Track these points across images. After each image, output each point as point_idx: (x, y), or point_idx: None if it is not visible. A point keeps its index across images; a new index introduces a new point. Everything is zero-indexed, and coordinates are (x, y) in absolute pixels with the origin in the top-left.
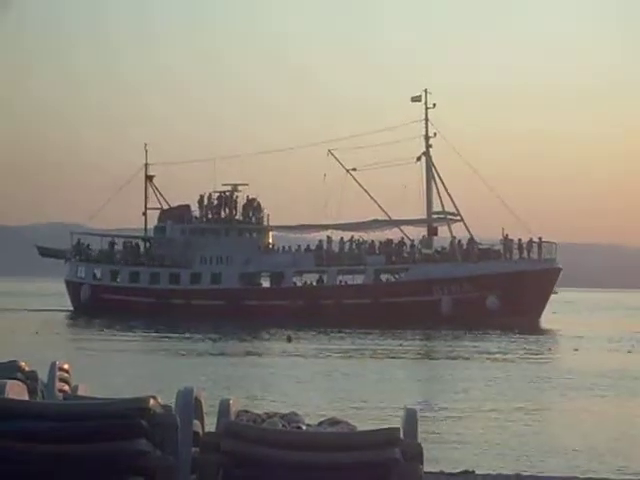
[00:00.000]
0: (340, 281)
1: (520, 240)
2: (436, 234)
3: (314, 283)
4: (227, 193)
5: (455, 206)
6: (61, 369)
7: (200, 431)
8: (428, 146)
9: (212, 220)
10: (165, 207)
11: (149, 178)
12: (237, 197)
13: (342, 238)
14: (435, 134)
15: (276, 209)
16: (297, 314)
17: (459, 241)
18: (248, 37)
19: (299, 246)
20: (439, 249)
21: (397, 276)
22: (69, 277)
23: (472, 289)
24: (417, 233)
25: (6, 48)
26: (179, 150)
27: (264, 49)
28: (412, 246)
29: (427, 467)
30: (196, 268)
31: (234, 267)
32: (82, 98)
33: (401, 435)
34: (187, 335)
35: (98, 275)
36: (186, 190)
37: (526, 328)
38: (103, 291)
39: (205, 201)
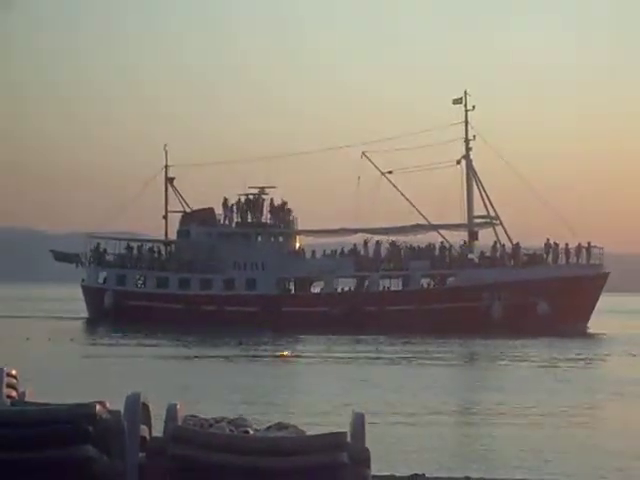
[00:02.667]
0: (384, 287)
1: (567, 245)
2: (477, 238)
3: (351, 288)
4: (255, 196)
5: (494, 210)
6: (9, 375)
7: (147, 436)
8: (468, 149)
9: (241, 224)
10: (186, 210)
11: (169, 180)
12: (264, 200)
13: (378, 242)
14: (475, 137)
15: (303, 213)
16: (338, 321)
17: (503, 245)
18: (274, 36)
19: (332, 251)
20: (478, 254)
21: (441, 282)
22: (88, 283)
23: (523, 295)
24: (454, 237)
25: (19, 47)
26: (199, 152)
27: (292, 48)
28: (457, 251)
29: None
30: (229, 273)
31: (270, 272)
32: (97, 97)
33: (348, 439)
34: (218, 342)
35: (122, 280)
36: (205, 193)
37: (576, 333)
38: (128, 297)
39: (231, 204)
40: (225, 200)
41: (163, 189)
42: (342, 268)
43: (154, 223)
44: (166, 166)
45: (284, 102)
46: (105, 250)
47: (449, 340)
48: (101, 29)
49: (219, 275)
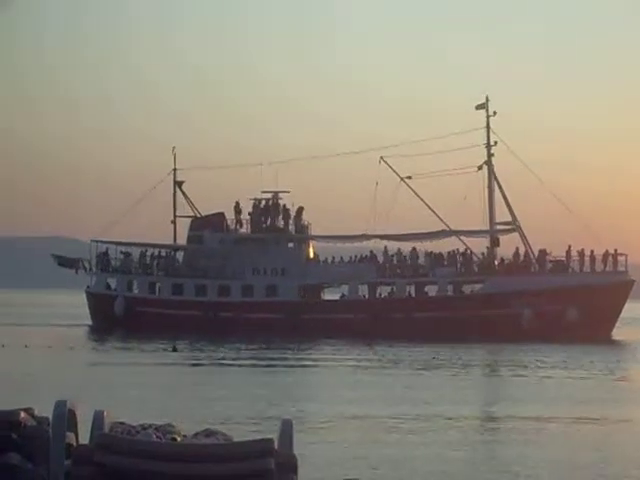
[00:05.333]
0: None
1: (593, 252)
2: (498, 245)
3: (365, 295)
4: (269, 201)
5: (514, 216)
6: None
7: (74, 443)
8: (490, 155)
9: (256, 229)
10: (196, 215)
11: (178, 184)
12: (279, 205)
13: (399, 249)
14: (496, 142)
15: (318, 218)
16: (362, 328)
17: (526, 252)
18: (289, 37)
19: (352, 257)
20: (498, 260)
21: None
22: (95, 289)
23: (552, 302)
24: (472, 244)
25: (22, 47)
26: (207, 154)
27: (308, 49)
28: (480, 258)
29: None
30: (248, 280)
31: (291, 279)
32: (103, 97)
33: (276, 446)
34: (236, 349)
35: (134, 287)
36: (212, 197)
37: (602, 340)
38: (141, 304)
39: (248, 209)
40: (237, 204)
41: (170, 193)
42: (365, 274)
43: (160, 228)
44: (174, 169)
45: (298, 105)
46: (108, 255)
47: (476, 347)
48: (109, 28)
49: (237, 281)
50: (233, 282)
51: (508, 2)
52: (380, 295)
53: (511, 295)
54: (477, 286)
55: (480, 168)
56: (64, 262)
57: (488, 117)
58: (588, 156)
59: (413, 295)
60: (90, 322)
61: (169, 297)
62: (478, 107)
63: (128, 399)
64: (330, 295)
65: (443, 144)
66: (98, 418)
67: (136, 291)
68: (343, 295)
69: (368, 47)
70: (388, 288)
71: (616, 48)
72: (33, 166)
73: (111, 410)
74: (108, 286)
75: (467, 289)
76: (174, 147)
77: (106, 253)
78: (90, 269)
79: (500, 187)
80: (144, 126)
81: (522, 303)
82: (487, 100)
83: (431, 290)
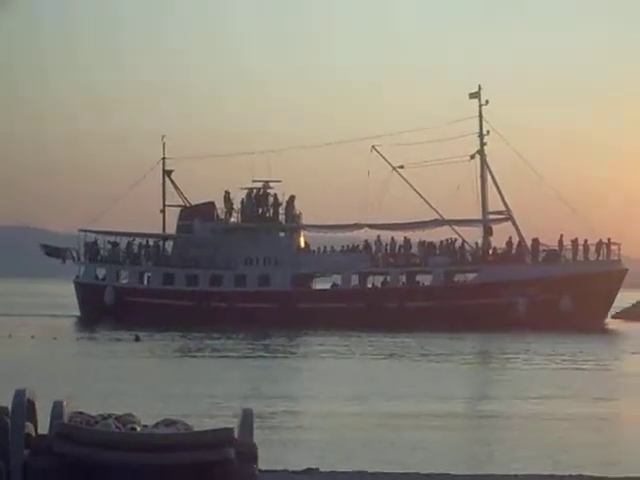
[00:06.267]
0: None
1: (586, 241)
2: (492, 234)
3: (363, 286)
4: (260, 190)
5: (506, 206)
6: None
7: (33, 433)
8: (482, 144)
9: (247, 219)
10: (185, 205)
11: (167, 173)
12: (270, 195)
13: (393, 238)
14: (489, 132)
15: (309, 207)
16: (357, 317)
17: (518, 242)
18: (278, 31)
19: (345, 246)
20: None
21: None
22: (84, 279)
23: (546, 291)
24: (465, 233)
25: (17, 46)
26: (196, 144)
27: (299, 43)
28: (473, 247)
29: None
30: (240, 269)
31: (284, 268)
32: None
33: (236, 435)
34: (229, 338)
35: (123, 276)
36: (201, 186)
37: (595, 330)
38: (131, 293)
39: (240, 198)
40: (227, 194)
41: (159, 182)
42: (358, 264)
43: (148, 218)
44: (164, 158)
45: (290, 96)
46: (97, 245)
47: (467, 337)
48: (99, 25)
49: (229, 271)
50: (225, 272)
51: None
52: (374, 285)
53: (504, 284)
54: (470, 275)
55: (473, 157)
56: (52, 252)
57: (480, 106)
58: (583, 145)
59: (407, 284)
60: (78, 312)
61: (160, 287)
62: (471, 96)
63: (94, 389)
64: (320, 285)
65: (435, 133)
66: (57, 408)
67: (125, 281)
68: (335, 285)
69: (360, 40)
70: (380, 278)
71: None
72: (23, 160)
73: (70, 400)
74: (97, 276)
75: (460, 279)
76: (163, 136)
77: (95, 243)
78: (78, 259)
79: (493, 176)
80: (132, 117)
81: (516, 292)
82: (480, 89)
83: (424, 280)
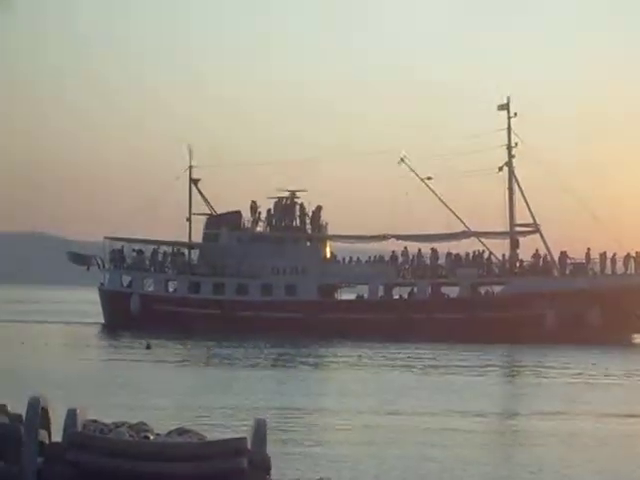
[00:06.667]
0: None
1: (615, 254)
2: (518, 247)
3: (389, 297)
4: (287, 200)
5: (533, 218)
6: None
7: (47, 441)
8: (510, 156)
9: (274, 228)
10: (212, 213)
11: (194, 182)
12: (297, 204)
13: (420, 250)
14: (517, 144)
15: (336, 218)
16: (384, 329)
17: (545, 255)
18: (310, 33)
19: (371, 257)
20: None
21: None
22: (109, 286)
23: (573, 304)
24: (495, 245)
25: (28, 48)
26: (220, 154)
27: (327, 47)
28: (500, 260)
29: None
30: (266, 278)
31: (311, 278)
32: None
33: (249, 445)
34: (253, 348)
35: (149, 284)
36: (228, 195)
37: (623, 344)
38: (157, 301)
39: (267, 208)
40: (253, 203)
41: (184, 191)
42: (385, 275)
43: (174, 226)
44: (190, 167)
45: (317, 104)
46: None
47: (494, 349)
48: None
49: (256, 280)
50: (251, 281)
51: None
52: (401, 296)
53: (533, 296)
54: (497, 288)
55: (501, 169)
56: (77, 259)
57: (509, 118)
58: (608, 157)
59: (433, 296)
60: (103, 320)
61: (186, 295)
62: (500, 108)
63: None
64: (344, 296)
65: (463, 145)
66: (71, 416)
67: (150, 289)
68: (360, 296)
69: (390, 47)
70: (406, 289)
71: None
72: (32, 164)
73: (85, 408)
74: (122, 284)
75: (487, 291)
76: (190, 144)
77: (121, 250)
78: (103, 266)
79: (520, 189)
80: (158, 126)
81: (543, 305)
82: (508, 101)
83: (451, 292)
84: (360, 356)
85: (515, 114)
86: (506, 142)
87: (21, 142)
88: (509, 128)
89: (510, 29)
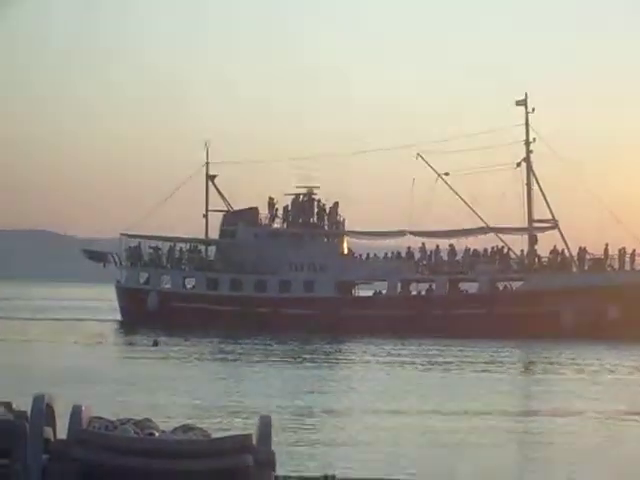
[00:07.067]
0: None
1: (634, 250)
2: (536, 242)
3: (406, 293)
4: (304, 196)
5: (552, 214)
6: None
7: (52, 438)
8: (529, 152)
9: (292, 224)
10: (228, 210)
11: (210, 178)
12: (314, 200)
13: (437, 246)
14: (535, 139)
15: (352, 214)
16: (401, 324)
17: (562, 250)
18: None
19: (388, 253)
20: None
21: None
22: (126, 283)
23: (594, 300)
24: (513, 241)
25: (36, 47)
26: (237, 150)
27: (343, 46)
28: (519, 255)
29: None
30: (285, 275)
31: (329, 274)
32: (123, 97)
33: (254, 442)
34: (272, 344)
35: (166, 281)
36: (244, 191)
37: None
38: (175, 298)
39: (284, 204)
40: (270, 199)
41: (200, 187)
42: (403, 271)
43: (189, 222)
44: (207, 163)
45: (332, 101)
46: (140, 249)
47: (513, 345)
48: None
49: (274, 276)
50: (270, 277)
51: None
52: (419, 292)
53: (552, 293)
54: (516, 284)
55: (519, 165)
56: (94, 256)
57: (527, 114)
58: (628, 153)
59: (451, 292)
60: (120, 317)
61: (204, 292)
62: (518, 103)
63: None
64: (361, 292)
65: (481, 140)
66: (76, 413)
67: (167, 285)
68: (378, 292)
69: (406, 43)
70: (423, 285)
71: None
72: (46, 164)
73: (90, 405)
74: (139, 280)
75: (505, 287)
76: (207, 141)
77: (138, 247)
78: (120, 263)
79: (539, 184)
80: (175, 123)
81: (562, 301)
82: (526, 96)
83: (470, 287)
84: (375, 354)
85: (533, 109)
86: (524, 137)
87: (32, 140)
88: (527, 123)
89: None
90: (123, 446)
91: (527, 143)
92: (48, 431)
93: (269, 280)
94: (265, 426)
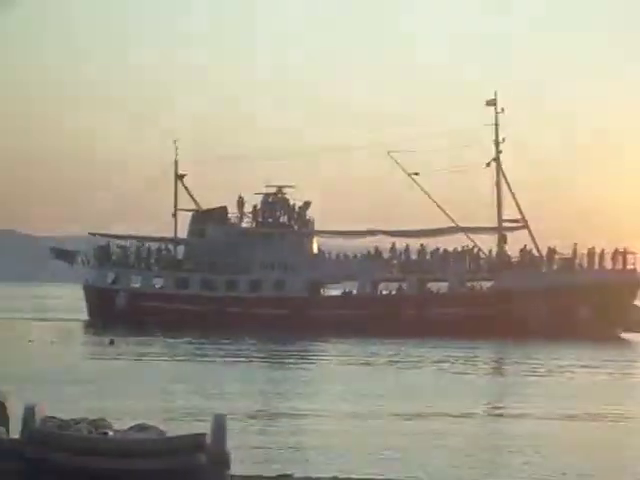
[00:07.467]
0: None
1: (603, 250)
2: (506, 242)
3: (374, 293)
4: (274, 196)
5: (522, 213)
6: None
7: (4, 437)
8: (498, 152)
9: (261, 224)
10: (197, 209)
11: (180, 177)
12: (284, 200)
13: (407, 245)
14: (504, 139)
15: (322, 213)
16: (372, 324)
17: (530, 250)
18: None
19: (357, 254)
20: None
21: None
22: (94, 283)
23: (564, 299)
24: (483, 240)
25: (21, 46)
26: (206, 148)
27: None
28: (487, 255)
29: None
30: (255, 274)
31: (299, 274)
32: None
33: (208, 441)
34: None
35: (135, 281)
36: (213, 191)
37: (611, 339)
38: (144, 298)
39: (253, 204)
40: (240, 199)
41: (168, 186)
42: (374, 271)
43: (157, 222)
44: (176, 162)
45: (300, 99)
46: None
47: (483, 345)
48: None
49: (245, 276)
50: (241, 277)
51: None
52: (390, 292)
53: (521, 292)
54: (486, 283)
55: (488, 165)
56: (61, 255)
57: (497, 113)
58: (598, 152)
59: (421, 292)
60: (87, 317)
61: (174, 291)
62: (488, 103)
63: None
64: (330, 292)
65: (451, 140)
66: (29, 412)
67: (136, 285)
68: (347, 292)
69: (376, 45)
70: (393, 285)
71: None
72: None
73: (44, 404)
74: (108, 280)
75: (475, 286)
76: (176, 140)
77: (107, 246)
78: (88, 262)
79: (508, 184)
80: (144, 117)
81: (532, 300)
82: (496, 96)
83: (439, 287)
84: (359, 353)
85: (502, 109)
86: (493, 137)
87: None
88: (496, 123)
89: (502, 25)
90: (77, 446)
91: (496, 143)
92: (1, 430)
93: (240, 280)
94: (219, 426)
